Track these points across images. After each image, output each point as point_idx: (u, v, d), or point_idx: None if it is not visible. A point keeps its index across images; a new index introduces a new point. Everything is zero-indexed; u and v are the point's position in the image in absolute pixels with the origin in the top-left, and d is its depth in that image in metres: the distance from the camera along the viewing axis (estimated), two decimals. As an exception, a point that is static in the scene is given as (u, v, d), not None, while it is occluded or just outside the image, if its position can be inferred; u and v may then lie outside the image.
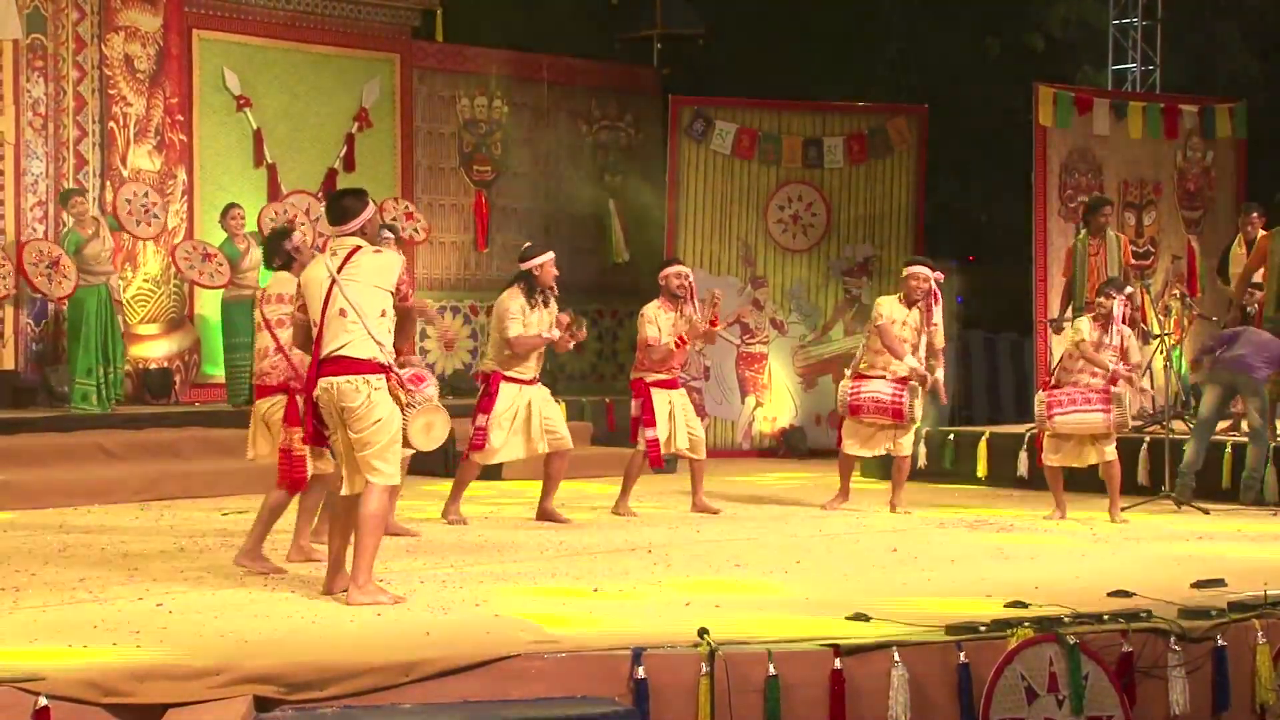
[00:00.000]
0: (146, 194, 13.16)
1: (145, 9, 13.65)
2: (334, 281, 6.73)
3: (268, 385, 7.92)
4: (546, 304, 9.79)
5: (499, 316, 9.75)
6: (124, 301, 13.29)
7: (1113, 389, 9.93)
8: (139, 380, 13.49)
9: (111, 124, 13.45)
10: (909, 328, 10.52)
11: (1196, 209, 15.18)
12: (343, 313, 6.72)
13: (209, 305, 13.80)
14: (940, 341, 10.64)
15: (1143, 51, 15.74)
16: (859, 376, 10.57)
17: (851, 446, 10.65)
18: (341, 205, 6.98)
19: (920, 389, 10.44)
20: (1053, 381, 10.22)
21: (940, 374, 10.62)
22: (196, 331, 13.95)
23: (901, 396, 10.40)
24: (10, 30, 12.73)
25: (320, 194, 14.51)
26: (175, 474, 11.32)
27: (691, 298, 10.41)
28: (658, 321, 10.33)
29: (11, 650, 5.69)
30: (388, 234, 8.24)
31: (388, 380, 6.78)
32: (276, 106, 14.55)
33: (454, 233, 15.65)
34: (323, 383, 6.80)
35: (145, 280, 13.44)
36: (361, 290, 6.72)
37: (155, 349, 13.71)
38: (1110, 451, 10.05)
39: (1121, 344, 10.03)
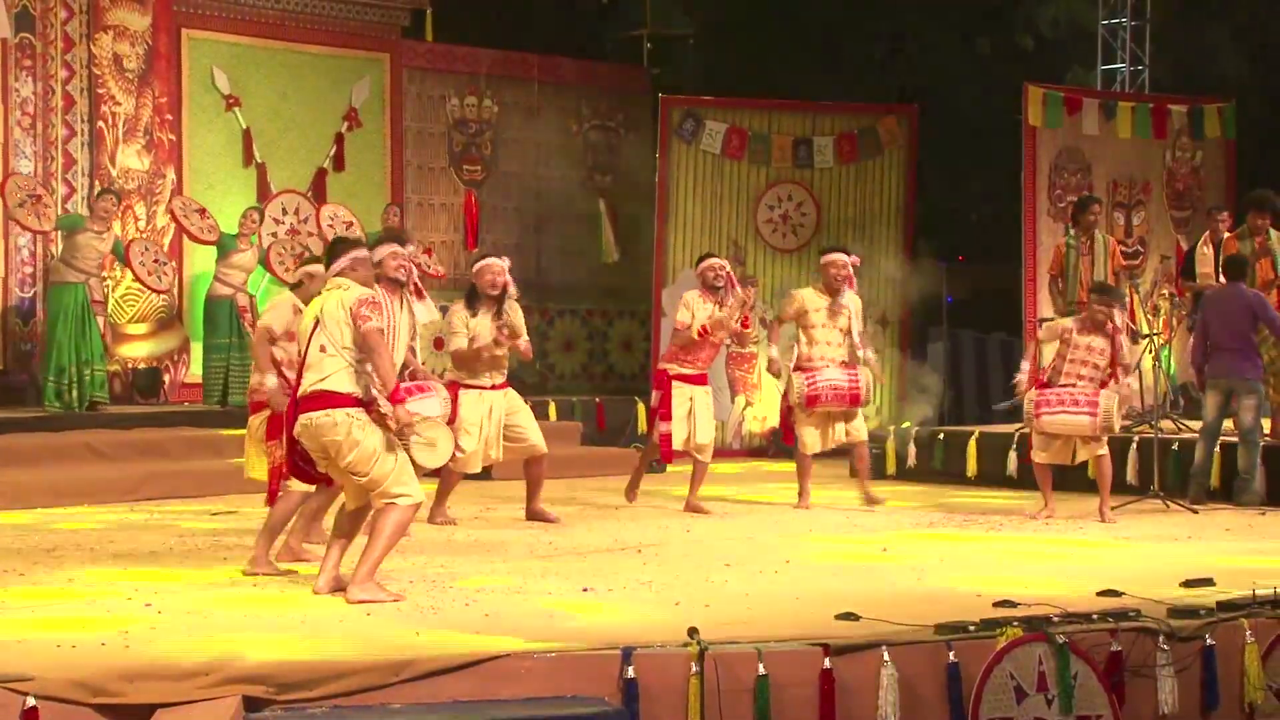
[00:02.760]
0: (158, 253, 13.09)
1: (134, 8, 13.62)
2: (318, 320, 6.89)
3: (259, 402, 7.98)
4: (499, 311, 9.56)
5: (451, 336, 9.63)
6: (113, 301, 13.25)
7: (1103, 390, 9.95)
8: (127, 380, 13.47)
9: (100, 123, 13.43)
10: (828, 313, 10.52)
11: (1185, 209, 15.21)
12: (323, 348, 6.85)
13: (197, 305, 13.76)
14: (860, 325, 10.66)
15: (1132, 52, 15.76)
16: (803, 369, 10.53)
17: (809, 442, 10.58)
18: (331, 249, 7.22)
19: (871, 371, 10.54)
20: (1046, 378, 10.21)
21: (870, 355, 10.70)
22: (185, 331, 13.93)
23: (857, 380, 10.44)
24: (-1, 29, 12.71)
25: (309, 193, 14.51)
26: (164, 474, 11.29)
27: (731, 288, 10.36)
28: (693, 309, 10.27)
29: None
30: (396, 246, 7.89)
31: (369, 413, 6.80)
32: (266, 106, 14.52)
33: (443, 232, 15.63)
34: (301, 419, 6.86)
35: (135, 280, 13.40)
36: (336, 327, 6.83)
37: (144, 349, 13.69)
38: (1100, 448, 10.07)
39: (1113, 346, 10.03)
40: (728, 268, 10.48)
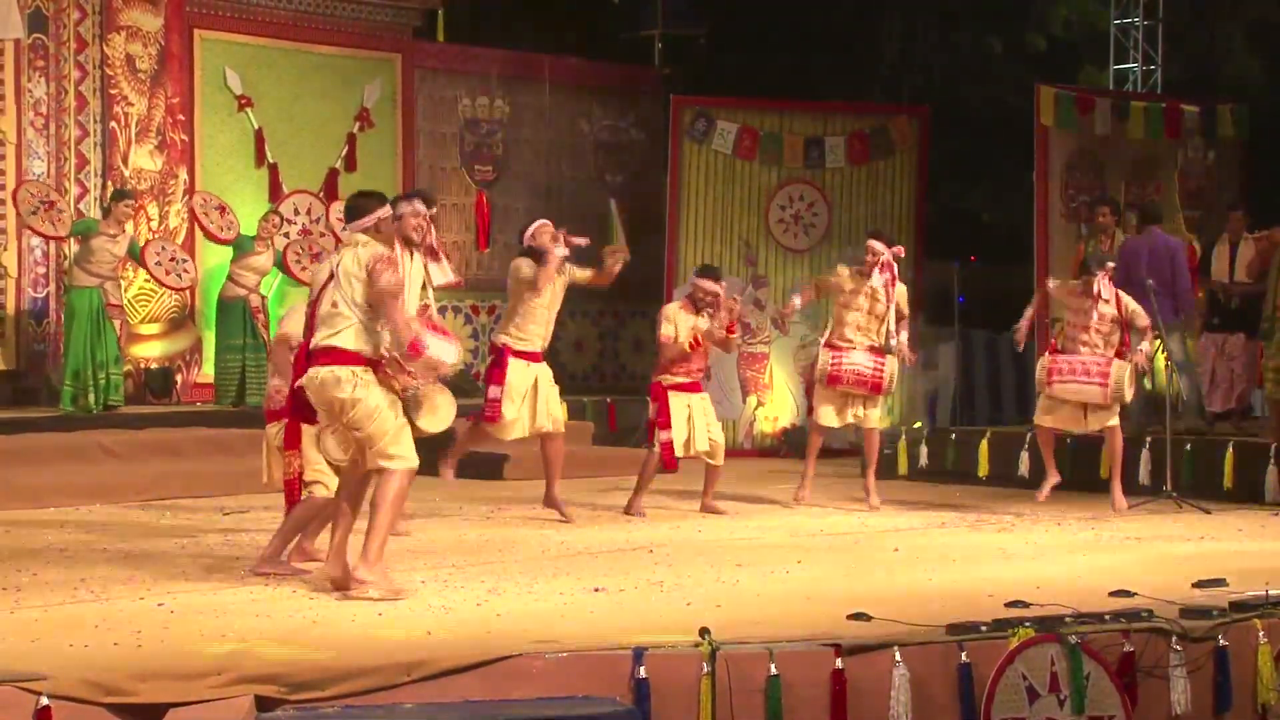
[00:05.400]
0: (175, 251, 13.12)
1: (147, 9, 13.65)
2: (332, 275, 6.90)
3: (276, 410, 8.00)
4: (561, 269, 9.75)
5: (515, 282, 9.71)
6: (126, 301, 13.26)
7: (1115, 360, 9.97)
8: (140, 380, 13.50)
9: (113, 124, 13.46)
10: (867, 297, 10.57)
11: (1197, 209, 15.17)
12: (334, 304, 6.87)
13: (210, 305, 13.79)
14: (903, 312, 10.68)
15: (1144, 51, 15.74)
16: (833, 347, 10.57)
17: (824, 416, 10.64)
18: (353, 204, 7.17)
19: (896, 360, 10.56)
20: (1058, 344, 10.23)
21: (903, 340, 10.69)
22: (198, 331, 13.96)
23: (882, 368, 10.47)
24: (12, 30, 12.73)
25: (321, 193, 14.53)
26: (177, 474, 11.31)
27: (716, 311, 10.37)
28: (675, 321, 10.32)
29: (13, 650, 5.70)
30: (420, 204, 7.72)
31: (377, 372, 6.82)
32: (278, 106, 14.54)
33: (455, 233, 15.64)
34: (309, 373, 6.92)
35: (147, 280, 13.43)
36: (351, 282, 6.83)
37: (156, 349, 13.72)
38: (1113, 420, 10.07)
39: (1119, 311, 10.03)
40: (720, 293, 10.42)
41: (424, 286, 7.58)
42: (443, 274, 7.69)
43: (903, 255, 10.81)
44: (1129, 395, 10.08)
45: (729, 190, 15.37)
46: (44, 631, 6.08)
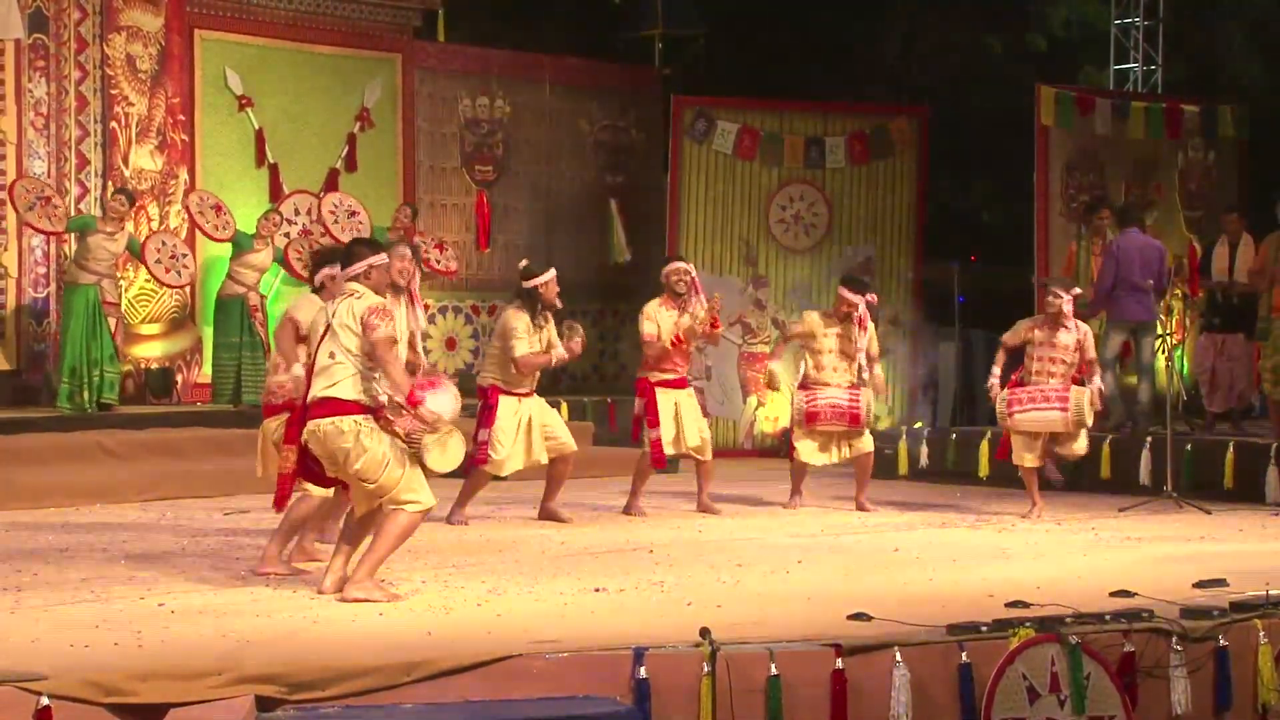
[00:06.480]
0: (176, 247, 13.11)
1: (147, 9, 13.65)
2: (328, 325, 6.89)
3: (275, 404, 7.98)
4: (547, 321, 9.83)
5: (503, 335, 9.75)
6: (126, 301, 13.27)
7: (1074, 386, 10.01)
8: (140, 380, 13.50)
9: (113, 124, 13.46)
10: (839, 338, 10.57)
11: (1198, 209, 15.17)
12: (332, 355, 6.85)
13: (209, 303, 13.78)
14: (876, 352, 10.66)
15: (1145, 51, 15.74)
16: (805, 388, 10.58)
17: (808, 455, 10.63)
18: (348, 251, 7.20)
19: (872, 393, 10.56)
20: (1019, 378, 10.27)
21: (877, 373, 10.67)
22: (198, 331, 13.95)
23: (858, 401, 10.45)
24: (12, 30, 12.72)
25: (321, 194, 14.52)
26: (177, 473, 11.32)
27: (695, 294, 10.37)
28: (656, 319, 10.31)
29: (13, 650, 5.70)
30: (406, 250, 8.05)
31: (376, 419, 6.81)
32: (278, 106, 14.54)
33: (455, 233, 15.63)
34: (310, 426, 6.89)
35: (147, 280, 13.43)
36: (346, 334, 6.83)
37: (157, 349, 13.72)
38: (1081, 447, 10.12)
39: (1079, 341, 10.09)
40: (692, 272, 10.49)
41: (412, 336, 7.66)
42: (418, 321, 7.79)
43: (875, 302, 10.77)
44: (1090, 420, 10.11)
45: (729, 190, 15.37)
46: (44, 631, 6.08)
